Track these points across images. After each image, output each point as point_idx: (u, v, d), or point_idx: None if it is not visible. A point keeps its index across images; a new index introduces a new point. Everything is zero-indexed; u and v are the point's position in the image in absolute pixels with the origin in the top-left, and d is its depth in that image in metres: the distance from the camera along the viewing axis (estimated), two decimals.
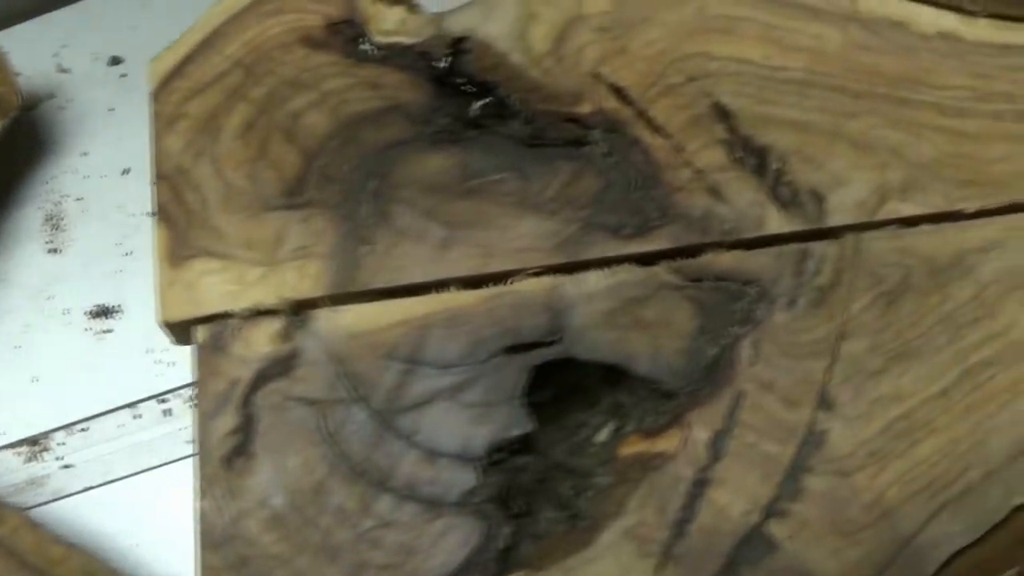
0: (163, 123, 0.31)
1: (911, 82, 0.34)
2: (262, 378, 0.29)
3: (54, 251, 0.35)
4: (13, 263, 0.35)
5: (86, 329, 0.34)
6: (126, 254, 0.35)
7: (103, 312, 0.35)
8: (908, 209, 0.32)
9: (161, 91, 0.32)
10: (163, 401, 0.34)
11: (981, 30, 0.35)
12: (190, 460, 0.32)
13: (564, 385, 0.32)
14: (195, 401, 0.28)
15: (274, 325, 0.29)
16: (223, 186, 0.30)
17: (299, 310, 0.29)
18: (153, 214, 0.31)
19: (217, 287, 0.29)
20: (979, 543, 0.30)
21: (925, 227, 0.32)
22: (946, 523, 0.29)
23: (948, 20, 0.35)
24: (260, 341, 0.29)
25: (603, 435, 0.31)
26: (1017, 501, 0.30)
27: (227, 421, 0.28)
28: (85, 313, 0.34)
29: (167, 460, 0.33)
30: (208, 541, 0.28)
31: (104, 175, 0.36)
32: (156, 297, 0.29)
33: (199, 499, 0.28)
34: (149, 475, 0.33)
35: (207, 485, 0.28)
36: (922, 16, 0.35)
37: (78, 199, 0.36)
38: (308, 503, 0.28)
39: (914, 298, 0.31)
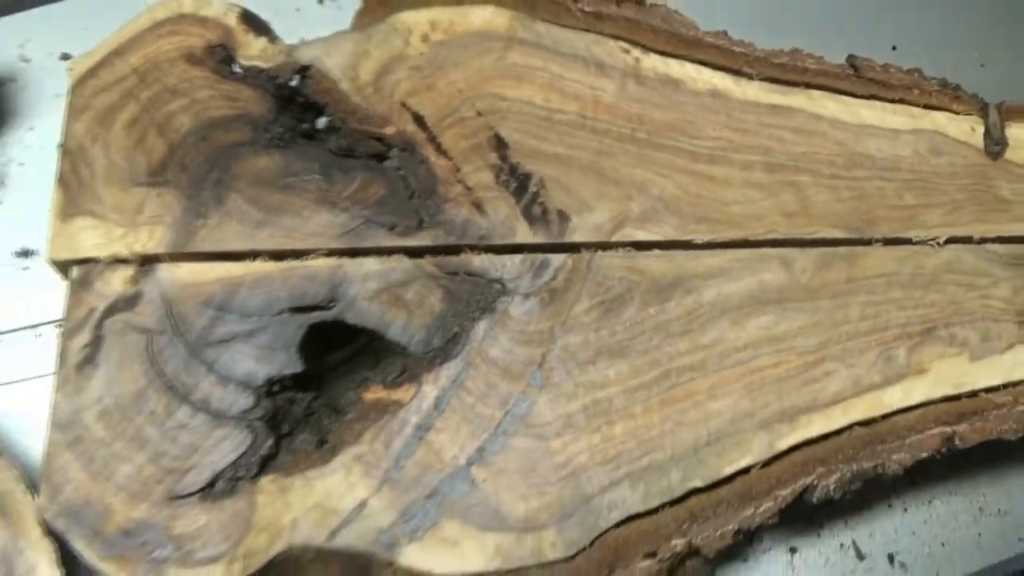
0: (74, 112, 0.47)
1: (672, 131, 0.47)
2: (112, 309, 0.44)
3: None
4: None
5: (10, 265, 0.51)
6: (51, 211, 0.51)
7: (25, 253, 0.51)
8: (642, 235, 0.45)
9: (78, 86, 0.48)
10: (60, 326, 0.50)
11: (753, 91, 0.48)
12: None
13: (358, 349, 0.47)
14: (64, 323, 0.44)
15: (127, 271, 0.45)
16: (108, 164, 0.46)
17: (146, 262, 0.45)
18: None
19: (90, 239, 0.45)
20: (652, 513, 0.42)
21: (656, 252, 0.45)
22: (625, 491, 0.42)
23: (722, 81, 0.48)
24: (115, 282, 0.45)
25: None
26: (693, 484, 0.43)
27: (82, 338, 0.44)
28: (12, 252, 0.51)
29: (51, 372, 0.49)
30: (56, 423, 0.43)
31: (43, 147, 0.53)
32: (47, 242, 0.45)
33: (55, 391, 0.44)
34: (36, 381, 0.49)
35: (61, 383, 0.44)
36: (698, 75, 0.48)
37: (20, 164, 0.53)
38: (129, 405, 0.43)
39: (634, 307, 0.44)
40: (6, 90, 0.54)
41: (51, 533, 0.42)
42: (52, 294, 0.50)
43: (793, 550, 0.46)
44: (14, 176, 0.52)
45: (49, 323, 0.50)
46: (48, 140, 0.53)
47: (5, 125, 0.53)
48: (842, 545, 0.46)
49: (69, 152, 0.46)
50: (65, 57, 0.55)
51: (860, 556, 0.46)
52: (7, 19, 0.55)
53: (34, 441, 0.47)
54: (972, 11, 0.53)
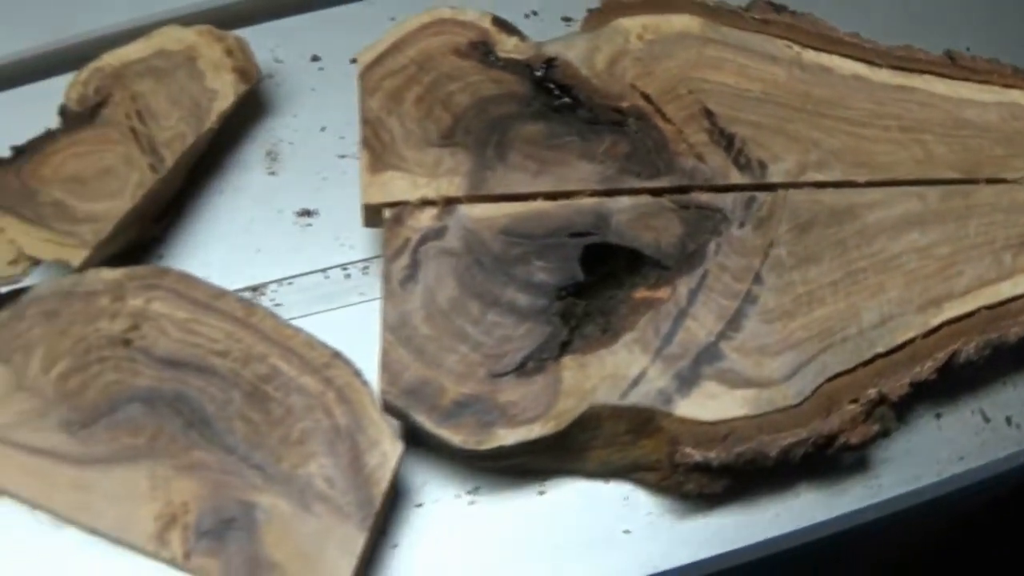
0: (367, 92, 0.68)
1: (830, 104, 0.70)
2: (424, 239, 0.64)
3: (272, 174, 0.71)
4: (244, 180, 0.70)
5: (294, 223, 0.69)
6: (323, 179, 0.70)
7: (306, 213, 0.70)
8: (820, 177, 0.68)
9: (365, 73, 0.68)
10: (345, 269, 0.69)
11: (883, 75, 0.72)
12: (358, 306, 0.68)
13: (604, 274, 0.68)
14: (383, 251, 0.64)
15: (433, 211, 0.64)
16: (404, 131, 0.67)
17: (448, 203, 0.65)
18: (341, 156, 0.68)
19: (400, 187, 0.65)
20: (850, 372, 0.64)
21: (830, 189, 0.68)
22: (829, 356, 0.64)
23: (860, 68, 0.72)
24: (424, 218, 0.64)
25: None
26: (878, 350, 0.64)
27: (402, 262, 0.63)
28: (293, 212, 0.70)
29: (343, 304, 0.68)
30: (387, 326, 0.62)
31: (308, 129, 0.72)
32: (360, 191, 0.64)
33: (384, 303, 0.63)
34: (330, 312, 0.68)
35: (388, 296, 0.63)
36: (844, 64, 0.72)
37: (290, 143, 0.72)
38: (449, 309, 0.62)
39: (819, 228, 0.67)
40: (264, 85, 0.74)
41: (389, 412, 0.61)
42: (332, 245, 0.69)
43: (938, 415, 0.68)
44: (286, 152, 0.72)
45: (335, 267, 0.69)
46: (311, 124, 0.73)
47: (270, 113, 0.73)
48: (972, 412, 0.69)
49: (369, 122, 0.66)
50: (315, 59, 0.75)
51: (986, 419, 0.69)
52: (258, 27, 0.75)
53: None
54: None
